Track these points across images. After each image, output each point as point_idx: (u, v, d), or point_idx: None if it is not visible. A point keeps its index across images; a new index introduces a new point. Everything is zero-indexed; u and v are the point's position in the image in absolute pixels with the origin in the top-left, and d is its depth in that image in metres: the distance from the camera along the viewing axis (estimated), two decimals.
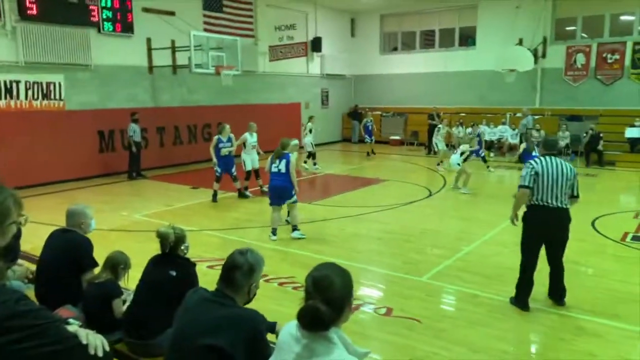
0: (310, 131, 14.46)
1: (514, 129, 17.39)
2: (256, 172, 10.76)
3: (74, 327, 1.61)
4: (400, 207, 9.87)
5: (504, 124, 17.79)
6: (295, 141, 8.02)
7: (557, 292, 5.18)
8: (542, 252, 5.15)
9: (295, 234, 7.64)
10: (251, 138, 10.68)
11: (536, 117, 17.60)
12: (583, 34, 17.81)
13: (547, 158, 5.03)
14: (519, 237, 5.25)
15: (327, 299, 1.92)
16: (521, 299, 5.14)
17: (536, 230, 5.05)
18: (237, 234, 8.04)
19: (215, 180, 10.27)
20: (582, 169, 14.72)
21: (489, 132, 17.80)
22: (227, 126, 10.33)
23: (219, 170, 10.19)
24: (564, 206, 4.97)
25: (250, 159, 10.67)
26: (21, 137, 11.48)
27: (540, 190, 4.95)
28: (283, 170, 7.34)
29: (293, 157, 7.50)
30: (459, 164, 11.36)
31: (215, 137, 10.25)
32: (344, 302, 2.00)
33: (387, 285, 6.01)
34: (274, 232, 7.61)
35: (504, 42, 17.42)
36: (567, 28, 18.13)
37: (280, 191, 7.41)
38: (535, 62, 17.00)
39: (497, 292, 5.53)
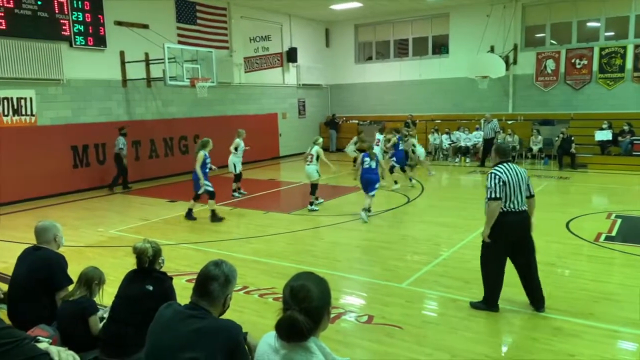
0: (356, 143, 14.33)
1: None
2: (240, 175, 11.93)
3: (44, 344, 1.58)
4: (379, 214, 9.92)
5: (478, 129, 18.02)
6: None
7: (537, 302, 5.19)
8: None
9: (363, 214, 9.20)
10: (242, 143, 11.62)
11: (509, 122, 17.95)
12: (552, 41, 18.26)
13: (507, 165, 5.09)
14: None
15: (305, 309, 1.92)
16: (491, 301, 5.20)
17: (504, 233, 5.03)
18: (216, 246, 7.96)
19: (210, 197, 9.50)
20: (555, 171, 15.04)
21: (464, 138, 18.08)
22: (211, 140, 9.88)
23: (210, 186, 9.45)
24: (524, 208, 5.10)
25: (239, 162, 11.62)
26: None
27: (507, 197, 5.00)
28: (373, 166, 9.39)
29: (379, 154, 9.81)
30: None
31: (202, 153, 9.35)
32: (322, 311, 1.99)
33: (367, 293, 6.02)
34: (367, 210, 9.34)
35: (476, 50, 17.75)
36: (537, 35, 18.56)
37: (367, 182, 9.37)
38: (507, 68, 17.38)
39: (476, 296, 5.56)
